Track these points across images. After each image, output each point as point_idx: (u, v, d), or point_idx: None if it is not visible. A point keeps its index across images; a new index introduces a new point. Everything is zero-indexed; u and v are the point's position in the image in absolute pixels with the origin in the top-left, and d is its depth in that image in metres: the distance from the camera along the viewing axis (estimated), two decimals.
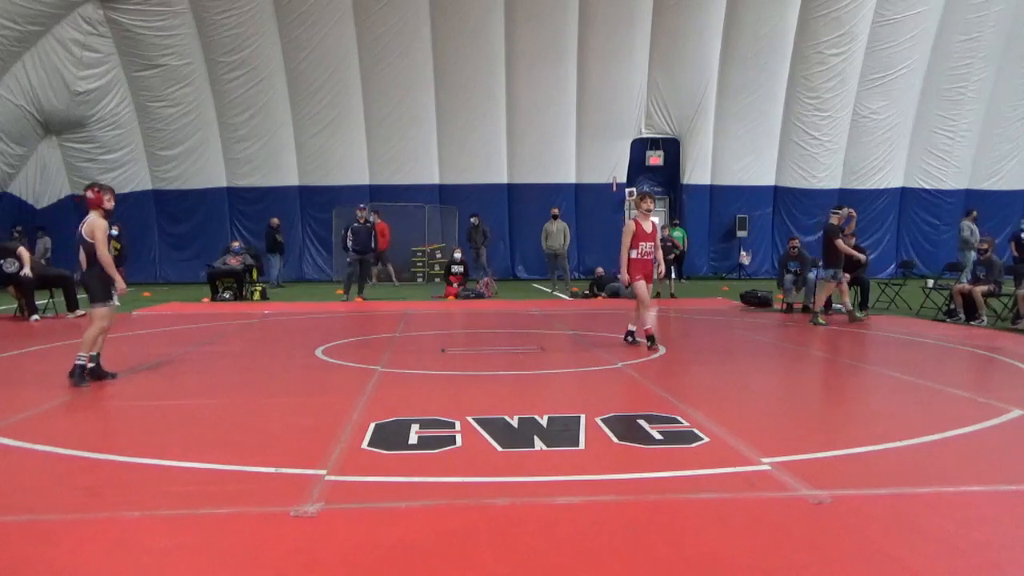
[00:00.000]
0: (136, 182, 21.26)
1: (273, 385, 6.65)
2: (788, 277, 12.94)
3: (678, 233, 20.80)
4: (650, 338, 8.34)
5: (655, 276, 8.72)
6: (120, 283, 6.77)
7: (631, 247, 8.34)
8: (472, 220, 19.42)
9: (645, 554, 2.90)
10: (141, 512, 3.33)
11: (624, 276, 8.49)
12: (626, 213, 22.70)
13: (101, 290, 6.61)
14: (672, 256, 16.29)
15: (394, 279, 19.97)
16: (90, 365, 6.46)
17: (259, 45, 20.27)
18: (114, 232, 14.56)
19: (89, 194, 6.55)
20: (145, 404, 5.71)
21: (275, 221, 19.62)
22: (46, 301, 12.21)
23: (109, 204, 6.57)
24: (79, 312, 11.98)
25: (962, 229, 16.97)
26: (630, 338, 8.69)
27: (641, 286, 8.37)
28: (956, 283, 12.13)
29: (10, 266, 11.69)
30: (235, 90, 20.60)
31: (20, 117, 18.84)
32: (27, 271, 11.59)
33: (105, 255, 6.51)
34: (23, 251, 11.93)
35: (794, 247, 13.15)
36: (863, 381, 6.95)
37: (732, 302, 14.55)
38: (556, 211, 17.36)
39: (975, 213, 17.60)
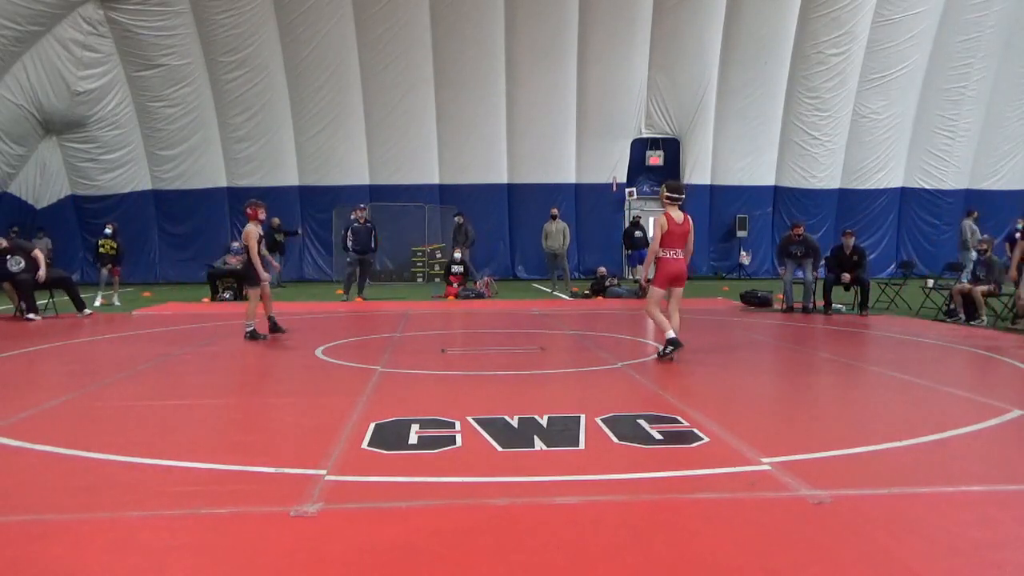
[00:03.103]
0: (136, 182, 21.28)
1: (273, 385, 6.65)
2: (789, 264, 12.66)
3: None
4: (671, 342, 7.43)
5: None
6: (263, 274, 9.15)
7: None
8: (456, 219, 18.63)
9: (645, 554, 2.90)
10: (141, 512, 3.33)
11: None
12: (626, 213, 22.74)
13: (254, 277, 9.18)
14: None
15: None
16: (248, 330, 9.15)
17: (259, 45, 20.28)
18: (108, 231, 14.58)
19: (248, 210, 9.29)
20: (145, 404, 5.71)
21: (276, 221, 19.62)
22: (46, 301, 12.20)
23: (262, 216, 9.28)
24: (87, 311, 12.02)
25: (963, 230, 16.96)
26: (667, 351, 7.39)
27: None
28: (956, 283, 12.14)
29: (15, 264, 11.71)
30: (235, 90, 20.61)
31: (20, 117, 18.84)
32: (41, 273, 11.64)
33: (254, 254, 9.07)
34: (39, 253, 11.95)
35: (798, 233, 12.62)
36: (863, 381, 6.94)
37: (732, 302, 14.55)
38: (555, 211, 17.31)
39: (976, 214, 17.58)
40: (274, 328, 9.42)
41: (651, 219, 21.69)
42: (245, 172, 21.50)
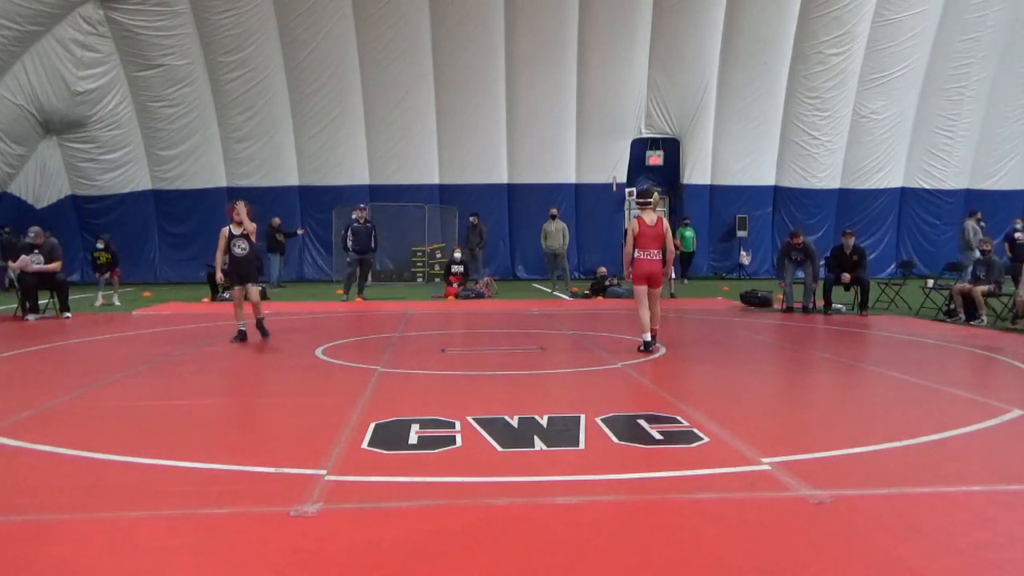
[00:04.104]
0: (136, 182, 21.26)
1: (273, 385, 6.65)
2: (788, 267, 12.70)
3: (689, 233, 20.90)
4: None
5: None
6: (218, 276, 9.21)
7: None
8: (471, 219, 19.17)
9: (645, 554, 2.90)
10: (141, 512, 3.33)
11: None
12: (626, 213, 22.74)
13: (253, 274, 9.13)
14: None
15: (368, 278, 19.70)
16: (260, 325, 9.15)
17: (259, 45, 20.27)
18: (100, 246, 14.73)
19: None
20: (145, 404, 5.71)
21: (276, 221, 19.62)
22: (46, 301, 12.21)
23: (236, 216, 8.88)
24: (67, 314, 11.95)
25: (966, 230, 16.95)
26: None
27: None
28: (956, 283, 12.14)
29: (35, 261, 11.76)
30: (235, 90, 20.59)
31: (20, 117, 18.82)
32: (34, 267, 11.63)
33: (217, 255, 9.01)
34: (58, 265, 11.97)
35: (798, 242, 12.69)
36: (863, 381, 6.95)
37: (732, 302, 14.55)
38: (555, 211, 17.33)
39: (980, 214, 17.59)
40: (240, 337, 9.03)
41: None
42: (245, 172, 21.48)
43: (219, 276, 8.98)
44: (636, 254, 8.16)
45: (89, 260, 15.48)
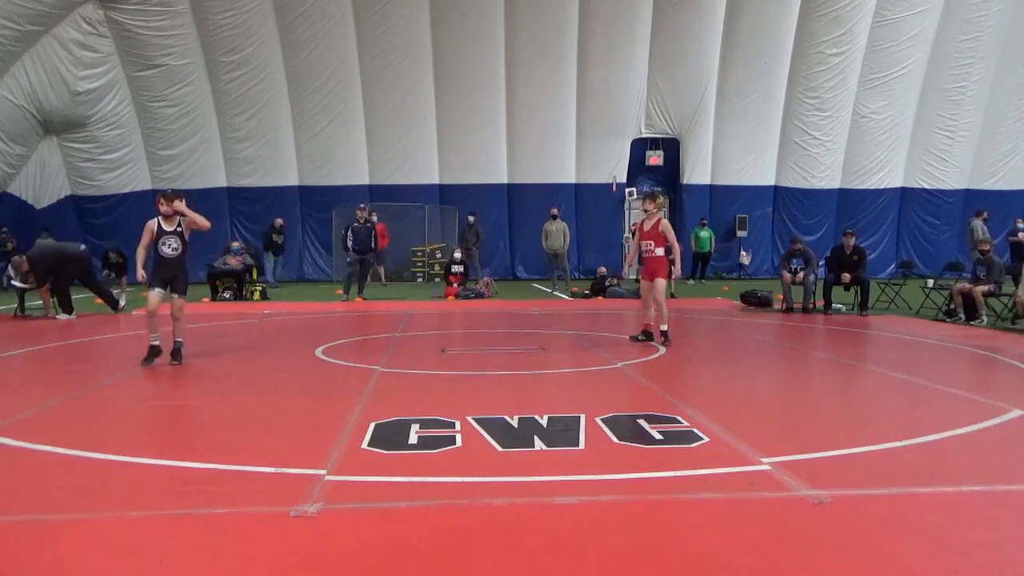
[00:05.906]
0: (136, 182, 21.23)
1: (273, 385, 6.65)
2: (787, 276, 12.89)
3: (705, 234, 21.00)
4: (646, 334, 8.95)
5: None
6: (138, 273, 7.82)
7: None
8: (468, 219, 19.29)
9: (645, 554, 2.90)
10: (141, 512, 3.33)
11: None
12: (626, 213, 22.75)
13: (182, 281, 7.64)
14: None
15: (382, 279, 19.82)
16: (154, 343, 7.49)
17: (259, 45, 20.25)
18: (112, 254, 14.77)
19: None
20: (145, 404, 5.72)
21: (278, 221, 19.65)
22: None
23: (162, 208, 7.44)
24: (70, 316, 11.91)
25: (975, 229, 16.94)
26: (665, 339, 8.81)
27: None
28: (956, 283, 12.14)
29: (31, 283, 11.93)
30: (235, 90, 20.58)
31: (20, 117, 18.81)
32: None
33: (138, 251, 7.62)
34: (23, 265, 12.02)
35: (798, 248, 13.01)
36: (863, 381, 6.95)
37: (732, 302, 14.55)
38: (555, 211, 17.35)
39: (986, 214, 17.59)
40: (152, 354, 7.39)
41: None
42: (245, 172, 21.47)
43: (139, 274, 7.74)
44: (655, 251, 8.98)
45: (101, 260, 15.33)
